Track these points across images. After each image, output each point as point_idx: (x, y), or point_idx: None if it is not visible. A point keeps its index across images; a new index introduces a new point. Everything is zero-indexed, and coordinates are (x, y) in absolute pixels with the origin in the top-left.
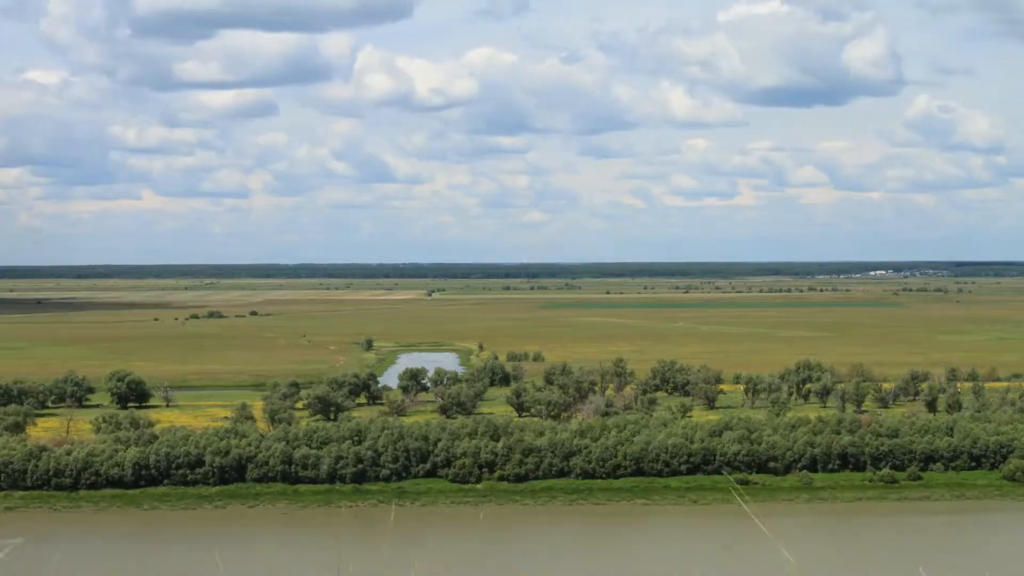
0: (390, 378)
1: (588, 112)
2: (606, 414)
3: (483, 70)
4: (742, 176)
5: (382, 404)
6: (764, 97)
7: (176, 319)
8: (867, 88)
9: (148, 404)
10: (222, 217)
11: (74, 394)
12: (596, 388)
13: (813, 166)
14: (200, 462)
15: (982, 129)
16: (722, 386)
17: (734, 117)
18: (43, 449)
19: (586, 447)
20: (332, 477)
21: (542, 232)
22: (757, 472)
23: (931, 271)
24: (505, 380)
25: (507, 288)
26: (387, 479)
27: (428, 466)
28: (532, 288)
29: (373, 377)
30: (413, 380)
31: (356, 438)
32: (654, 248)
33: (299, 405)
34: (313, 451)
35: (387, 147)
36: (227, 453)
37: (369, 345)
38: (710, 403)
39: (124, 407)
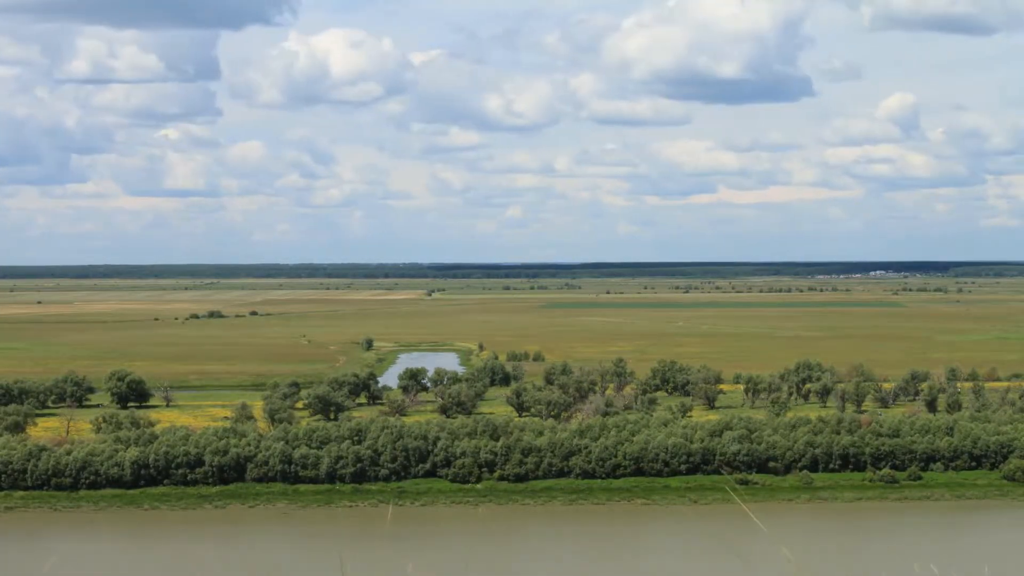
0: (390, 378)
1: (519, 105)
2: (606, 414)
3: (406, 59)
4: (712, 175)
5: (382, 404)
6: (701, 93)
7: (176, 319)
8: (793, 84)
9: (148, 404)
10: (200, 217)
11: (74, 394)
12: (596, 388)
13: (780, 163)
14: (200, 462)
15: (948, 124)
16: (722, 386)
17: (673, 114)
18: (43, 449)
19: (586, 447)
20: (332, 477)
21: (526, 231)
22: (757, 472)
23: (932, 271)
24: (505, 380)
25: (507, 288)
26: (387, 479)
27: (428, 466)
28: (532, 288)
29: (373, 377)
30: (413, 380)
31: (356, 438)
32: (643, 247)
33: (299, 405)
34: (313, 451)
35: (345, 144)
36: (227, 453)
37: (369, 345)
38: (710, 403)
39: (124, 407)
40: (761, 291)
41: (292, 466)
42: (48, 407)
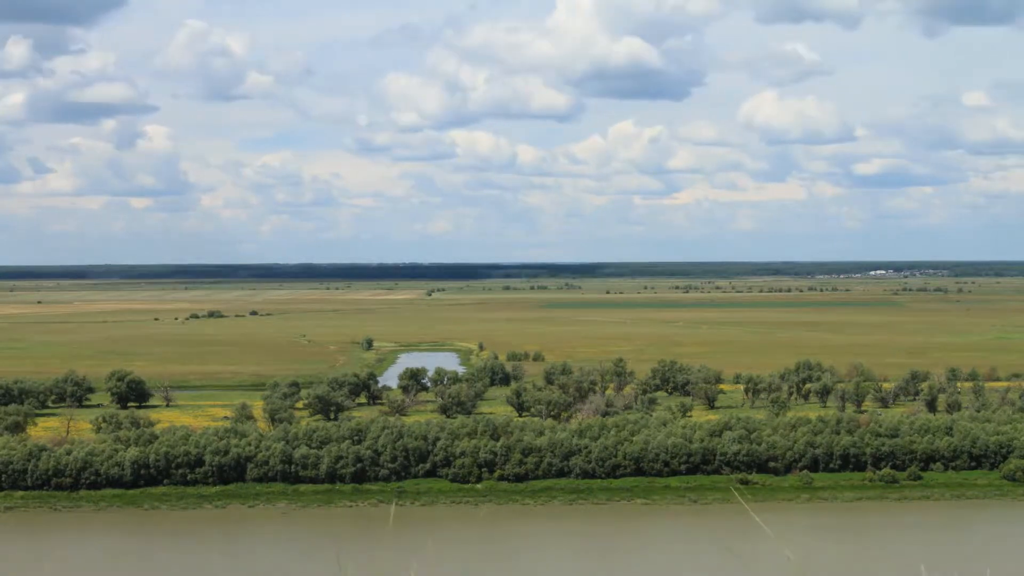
0: (390, 378)
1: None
2: (606, 414)
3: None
4: (674, 172)
5: (382, 404)
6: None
7: (176, 319)
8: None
9: (148, 404)
10: (170, 217)
11: (74, 394)
12: (596, 388)
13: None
14: (200, 462)
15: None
16: (722, 386)
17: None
18: (43, 449)
19: (586, 447)
20: (332, 477)
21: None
22: (757, 472)
23: (931, 271)
24: (505, 380)
25: (507, 288)
26: (387, 479)
27: (428, 466)
28: (532, 288)
29: (373, 377)
30: (413, 380)
31: (356, 438)
32: (631, 246)
33: (299, 405)
34: (313, 451)
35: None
36: (227, 453)
37: (369, 345)
38: (710, 403)
39: (124, 407)
40: (761, 291)
41: (292, 466)
42: (48, 407)
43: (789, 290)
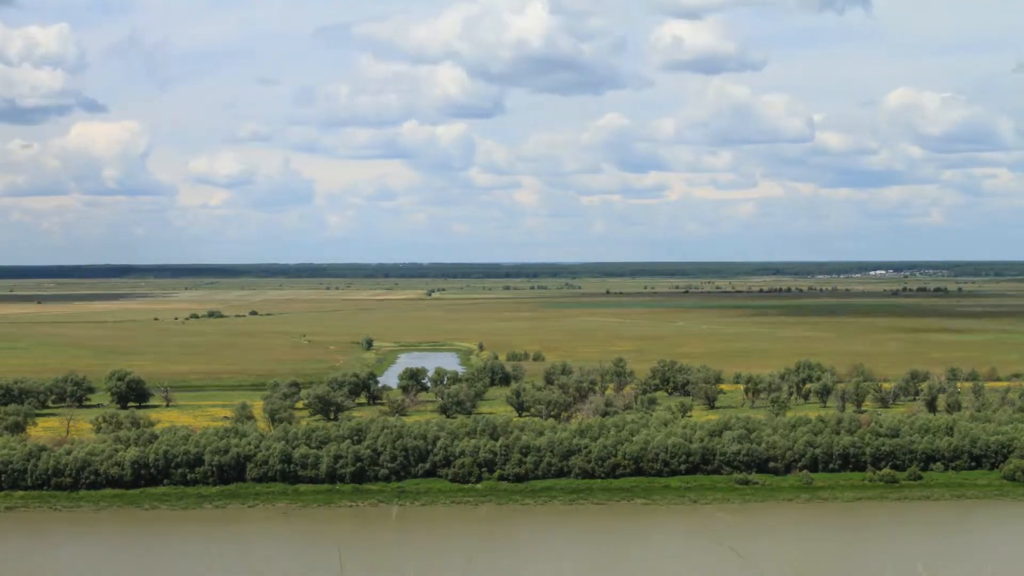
0: (390, 378)
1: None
2: (606, 414)
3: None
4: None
5: (382, 404)
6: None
7: (176, 319)
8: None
9: (148, 404)
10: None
11: (74, 394)
12: (596, 388)
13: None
14: (200, 462)
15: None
16: (722, 386)
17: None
18: (43, 449)
19: (585, 447)
20: (332, 477)
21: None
22: (757, 472)
23: (931, 271)
24: (505, 380)
25: (507, 288)
26: (387, 479)
27: (428, 466)
28: (532, 288)
29: (373, 377)
30: (413, 380)
31: (356, 437)
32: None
33: (299, 405)
34: (313, 451)
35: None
36: (227, 452)
37: (369, 345)
38: (710, 403)
39: (124, 407)
40: (761, 291)
41: (292, 466)
42: (48, 407)
43: (789, 290)
